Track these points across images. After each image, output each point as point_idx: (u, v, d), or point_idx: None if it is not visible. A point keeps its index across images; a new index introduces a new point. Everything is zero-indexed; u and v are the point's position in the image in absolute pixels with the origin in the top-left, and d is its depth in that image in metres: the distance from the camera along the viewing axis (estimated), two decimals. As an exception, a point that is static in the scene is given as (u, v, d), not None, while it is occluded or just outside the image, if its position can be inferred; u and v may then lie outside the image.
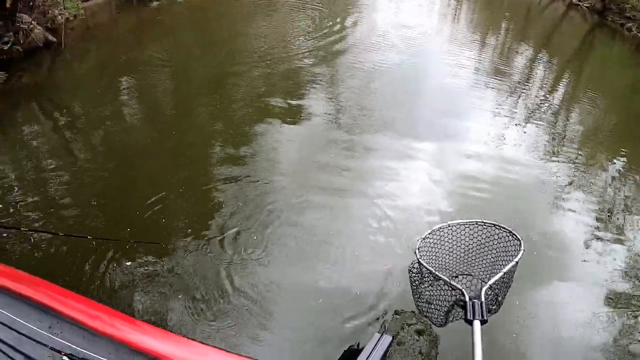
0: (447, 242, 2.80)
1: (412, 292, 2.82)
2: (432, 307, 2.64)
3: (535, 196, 5.21)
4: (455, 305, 2.43)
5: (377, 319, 3.48)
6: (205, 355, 2.06)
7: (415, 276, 2.76)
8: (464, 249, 2.80)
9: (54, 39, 7.84)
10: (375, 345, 1.34)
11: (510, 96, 7.52)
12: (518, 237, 2.55)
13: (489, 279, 2.44)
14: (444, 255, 2.80)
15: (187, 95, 6.81)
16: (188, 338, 2.20)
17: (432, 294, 2.65)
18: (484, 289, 2.28)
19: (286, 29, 9.05)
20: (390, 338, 1.36)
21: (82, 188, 4.75)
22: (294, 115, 6.12)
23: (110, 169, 5.08)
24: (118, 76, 7.16)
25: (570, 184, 5.51)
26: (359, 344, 1.45)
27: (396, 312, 3.49)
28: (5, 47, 6.87)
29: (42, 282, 2.41)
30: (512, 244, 2.57)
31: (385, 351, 1.32)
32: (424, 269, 2.63)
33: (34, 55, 7.39)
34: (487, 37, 10.00)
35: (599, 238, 4.69)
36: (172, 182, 4.78)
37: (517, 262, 2.44)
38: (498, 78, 8.08)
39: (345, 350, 1.52)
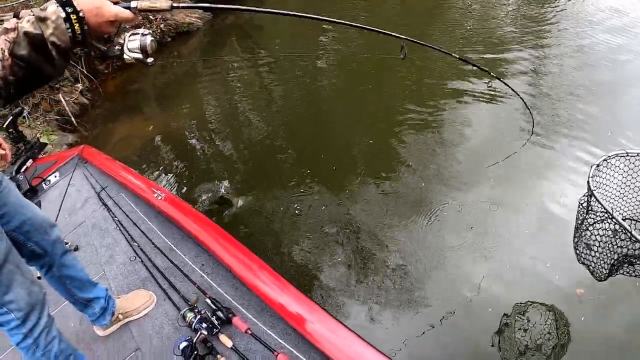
0: (621, 176, 2.30)
1: (574, 230, 2.39)
2: (594, 254, 2.21)
3: None
4: (627, 260, 2.01)
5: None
6: (351, 344, 1.84)
7: (582, 212, 2.30)
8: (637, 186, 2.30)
9: (260, -16, 8.08)
10: None
11: None
12: None
13: None
14: (613, 190, 2.32)
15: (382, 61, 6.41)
16: (337, 320, 1.96)
17: (597, 238, 2.18)
18: None
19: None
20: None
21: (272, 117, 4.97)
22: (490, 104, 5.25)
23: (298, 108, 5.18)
24: (317, 26, 7.04)
25: None
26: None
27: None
28: (212, -10, 7.30)
29: (207, 221, 2.42)
30: None
31: None
32: (595, 206, 2.16)
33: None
34: None
35: None
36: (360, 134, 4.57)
37: None
38: None
39: None
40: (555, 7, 6.38)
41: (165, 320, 2.12)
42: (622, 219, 2.26)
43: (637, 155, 2.23)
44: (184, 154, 4.60)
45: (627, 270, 2.08)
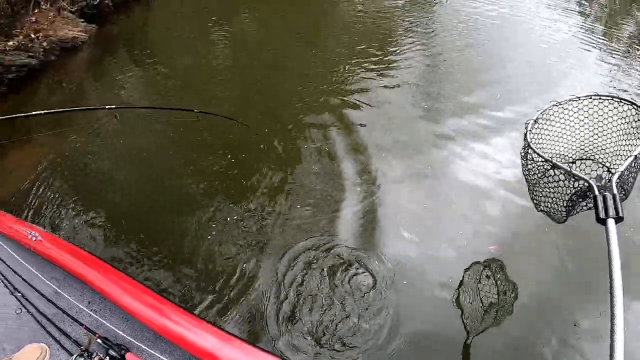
0: (560, 123, 2.40)
1: (526, 183, 2.52)
2: (550, 200, 2.30)
3: None
4: (579, 198, 2.09)
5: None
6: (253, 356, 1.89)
7: (528, 165, 2.42)
8: (579, 129, 2.40)
9: (144, -8, 7.81)
10: None
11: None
12: None
13: (616, 165, 2.12)
14: (557, 138, 2.42)
15: (280, 41, 6.50)
16: (236, 337, 2.00)
17: (549, 185, 2.28)
18: (614, 177, 1.85)
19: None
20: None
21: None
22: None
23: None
24: (205, 26, 7.09)
25: None
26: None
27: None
28: (95, 2, 6.97)
29: (87, 256, 2.35)
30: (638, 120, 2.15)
31: None
32: (536, 157, 2.28)
33: (124, 8, 7.49)
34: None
35: None
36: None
37: None
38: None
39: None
40: None
41: None
42: (572, 161, 2.41)
43: (568, 101, 2.36)
44: (79, 183, 4.38)
45: (583, 205, 2.16)
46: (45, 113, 3.04)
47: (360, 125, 4.76)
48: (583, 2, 7.49)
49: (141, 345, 1.96)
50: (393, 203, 3.86)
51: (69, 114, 4.90)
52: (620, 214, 1.62)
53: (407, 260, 3.36)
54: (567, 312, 3.03)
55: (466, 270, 3.29)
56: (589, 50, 5.99)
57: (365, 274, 3.27)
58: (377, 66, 5.77)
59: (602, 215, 1.65)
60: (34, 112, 3.00)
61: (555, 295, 3.15)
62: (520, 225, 3.62)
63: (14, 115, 3.18)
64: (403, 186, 4.03)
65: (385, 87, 5.37)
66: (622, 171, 1.91)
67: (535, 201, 2.49)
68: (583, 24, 6.76)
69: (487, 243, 3.52)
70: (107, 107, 3.22)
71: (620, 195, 1.97)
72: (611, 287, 1.39)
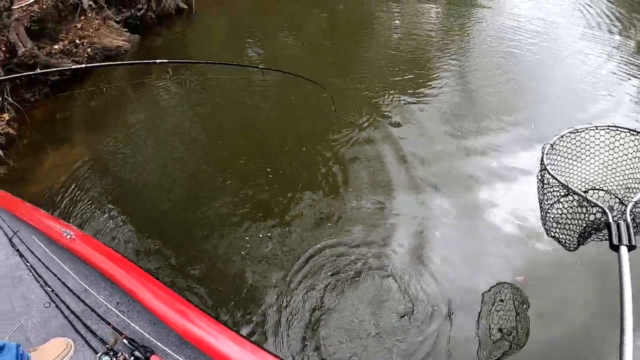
0: (575, 150, 2.38)
1: (540, 208, 2.46)
2: (562, 227, 2.28)
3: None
4: (591, 227, 2.05)
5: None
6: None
7: (542, 189, 2.37)
8: (594, 159, 2.38)
9: (185, 6, 8.04)
10: None
11: None
12: None
13: (629, 197, 2.12)
14: (570, 166, 2.41)
15: (312, 61, 6.60)
16: (265, 350, 1.98)
17: (561, 211, 2.27)
18: (629, 207, 1.85)
19: None
20: None
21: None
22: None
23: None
24: (244, 41, 7.28)
25: None
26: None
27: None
28: (139, 14, 7.22)
29: (119, 257, 2.39)
30: None
31: None
32: (552, 181, 2.25)
33: (166, 21, 7.73)
34: None
35: None
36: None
37: None
38: None
39: None
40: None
41: None
42: (585, 190, 2.36)
43: (586, 129, 2.33)
44: (114, 184, 4.51)
45: (597, 235, 2.15)
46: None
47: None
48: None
49: (166, 349, 1.97)
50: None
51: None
52: (634, 242, 1.64)
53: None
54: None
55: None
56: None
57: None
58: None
59: (615, 241, 1.67)
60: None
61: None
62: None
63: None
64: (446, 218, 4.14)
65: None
66: (636, 201, 1.92)
67: (546, 226, 2.46)
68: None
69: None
70: (157, 61, 3.34)
71: (633, 225, 1.94)
72: (622, 314, 1.36)
